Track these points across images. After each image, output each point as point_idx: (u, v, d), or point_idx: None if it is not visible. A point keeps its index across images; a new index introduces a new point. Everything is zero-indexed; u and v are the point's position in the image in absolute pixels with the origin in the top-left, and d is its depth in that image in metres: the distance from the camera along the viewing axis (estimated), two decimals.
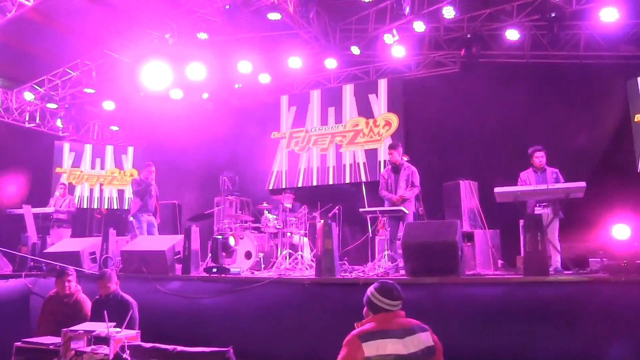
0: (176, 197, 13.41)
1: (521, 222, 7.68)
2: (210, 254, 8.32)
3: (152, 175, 10.19)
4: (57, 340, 5.36)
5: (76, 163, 15.39)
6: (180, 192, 14.29)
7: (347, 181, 13.12)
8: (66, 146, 15.44)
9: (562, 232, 7.84)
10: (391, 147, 9.04)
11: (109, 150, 15.93)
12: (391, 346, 3.31)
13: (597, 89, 10.85)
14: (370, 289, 3.60)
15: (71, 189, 14.58)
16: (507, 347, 5.57)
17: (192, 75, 12.10)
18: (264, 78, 13.61)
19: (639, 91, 10.47)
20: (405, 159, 8.95)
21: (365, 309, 3.60)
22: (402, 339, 3.37)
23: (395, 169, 8.71)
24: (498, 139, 11.22)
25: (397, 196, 8.47)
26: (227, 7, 10.44)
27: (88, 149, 15.69)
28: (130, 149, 16.07)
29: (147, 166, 10.33)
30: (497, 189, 6.97)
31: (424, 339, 3.48)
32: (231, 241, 8.23)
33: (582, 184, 6.68)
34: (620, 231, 6.08)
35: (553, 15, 10.13)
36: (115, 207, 15.52)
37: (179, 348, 4.47)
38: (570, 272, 6.89)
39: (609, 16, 9.73)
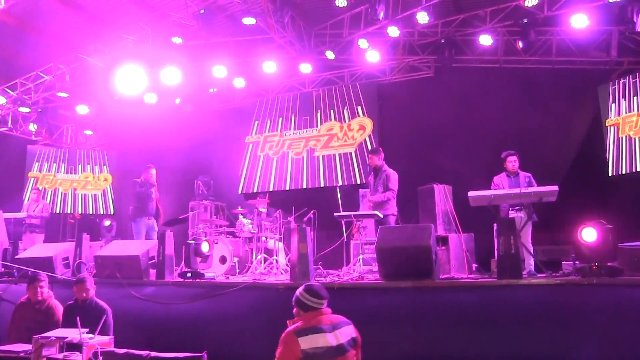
0: None
1: (495, 225, 7.77)
2: (184, 259, 8.25)
3: (152, 177, 10.01)
4: (28, 347, 5.20)
5: (49, 168, 15.21)
6: None
7: (322, 185, 13.14)
8: (39, 151, 15.25)
9: (535, 235, 7.94)
10: (371, 152, 9.18)
11: (83, 154, 15.77)
12: (322, 339, 3.74)
13: (569, 93, 11.03)
14: (300, 290, 4.05)
15: (44, 193, 14.40)
16: (481, 351, 5.61)
17: (167, 79, 12.02)
18: (239, 82, 13.57)
19: (609, 96, 10.69)
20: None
21: (295, 309, 4.03)
22: (331, 332, 3.81)
23: (375, 173, 8.83)
24: (472, 143, 11.32)
25: (369, 201, 8.60)
26: (202, 11, 10.43)
27: (61, 153, 15.53)
28: (104, 154, 15.92)
29: (147, 169, 10.08)
30: (471, 193, 7.04)
31: (349, 331, 3.95)
32: (204, 247, 8.14)
33: (555, 187, 6.78)
34: (588, 234, 6.17)
35: (525, 21, 10.31)
36: (90, 212, 15.35)
37: (153, 354, 4.45)
38: (544, 275, 6.98)
39: (580, 23, 9.90)
